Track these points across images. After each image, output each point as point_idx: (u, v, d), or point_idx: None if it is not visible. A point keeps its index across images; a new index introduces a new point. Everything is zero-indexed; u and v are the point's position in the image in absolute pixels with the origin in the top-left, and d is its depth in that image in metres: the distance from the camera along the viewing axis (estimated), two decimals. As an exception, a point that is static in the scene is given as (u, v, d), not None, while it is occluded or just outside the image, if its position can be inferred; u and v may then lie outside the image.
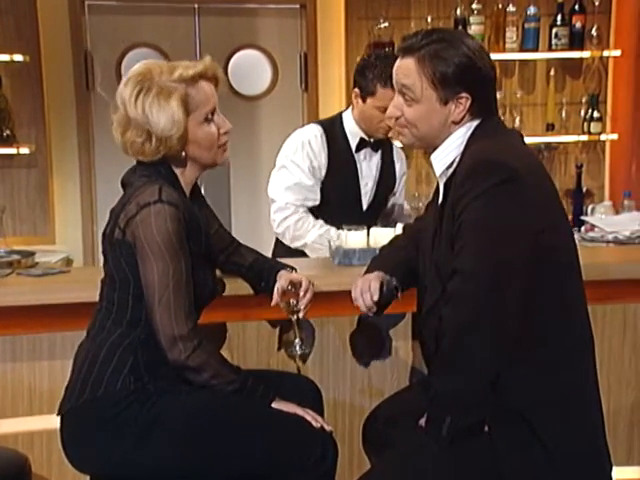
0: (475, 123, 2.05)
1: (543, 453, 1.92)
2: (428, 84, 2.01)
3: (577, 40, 4.53)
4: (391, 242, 2.43)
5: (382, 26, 4.40)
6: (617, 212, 4.48)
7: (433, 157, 2.10)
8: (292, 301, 2.25)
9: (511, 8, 4.46)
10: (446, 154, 2.07)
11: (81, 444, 2.04)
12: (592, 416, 2.01)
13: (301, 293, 2.24)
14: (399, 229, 2.57)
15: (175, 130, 2.00)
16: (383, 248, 2.42)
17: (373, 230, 2.62)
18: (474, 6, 4.41)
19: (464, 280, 1.88)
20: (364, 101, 3.03)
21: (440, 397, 1.92)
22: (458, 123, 2.05)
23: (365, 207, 3.20)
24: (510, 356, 1.89)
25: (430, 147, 2.11)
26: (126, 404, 1.98)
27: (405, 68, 2.06)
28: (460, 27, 4.39)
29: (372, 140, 3.13)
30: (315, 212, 3.11)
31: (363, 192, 3.18)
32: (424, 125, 2.06)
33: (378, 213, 3.21)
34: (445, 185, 2.07)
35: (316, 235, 3.04)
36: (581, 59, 4.70)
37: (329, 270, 2.61)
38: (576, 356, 2.00)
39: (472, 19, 4.40)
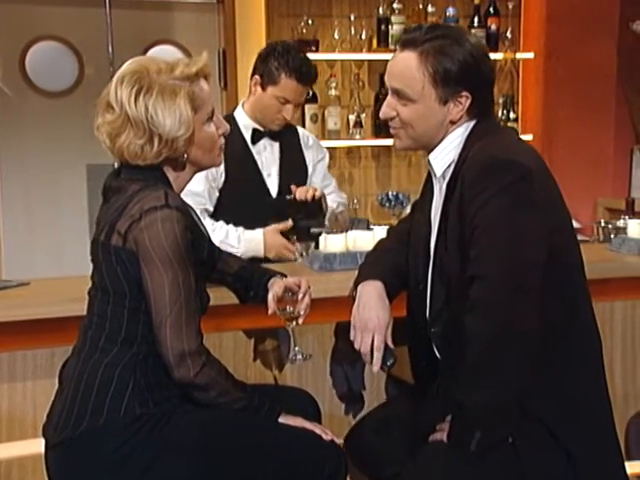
0: (472, 123, 2.00)
1: (566, 459, 1.90)
2: (429, 81, 1.94)
3: (492, 42, 4.61)
4: (377, 246, 2.35)
5: (305, 23, 4.31)
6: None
7: (432, 157, 2.04)
8: (289, 308, 2.14)
9: (431, 9, 4.48)
10: (445, 154, 2.02)
11: (80, 478, 1.85)
12: (605, 414, 2.01)
13: (300, 296, 2.13)
14: (379, 232, 2.51)
15: (183, 130, 1.86)
16: (369, 254, 2.33)
17: (351, 233, 2.55)
18: (395, 5, 4.40)
19: (490, 287, 1.82)
20: (264, 89, 2.96)
21: (470, 412, 1.85)
22: (455, 123, 2.00)
23: (275, 195, 3.08)
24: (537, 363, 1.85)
25: (426, 148, 2.05)
26: (133, 431, 1.82)
27: (404, 63, 1.97)
28: (383, 26, 4.37)
29: (267, 130, 3.05)
30: (223, 211, 2.99)
31: (268, 182, 3.07)
32: (421, 125, 2.00)
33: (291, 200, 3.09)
34: (448, 185, 2.00)
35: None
36: (495, 61, 4.78)
37: (309, 277, 2.50)
38: (587, 356, 2.00)
39: (394, 18, 4.39)
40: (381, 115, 2.08)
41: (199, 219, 2.00)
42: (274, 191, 3.08)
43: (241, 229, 2.94)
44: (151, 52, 4.50)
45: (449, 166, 2.02)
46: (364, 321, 2.07)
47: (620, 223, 3.05)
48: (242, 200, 3.00)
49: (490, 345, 1.81)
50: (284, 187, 3.08)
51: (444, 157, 2.02)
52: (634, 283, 2.70)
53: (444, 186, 2.02)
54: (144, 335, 1.87)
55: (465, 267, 1.88)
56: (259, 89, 2.98)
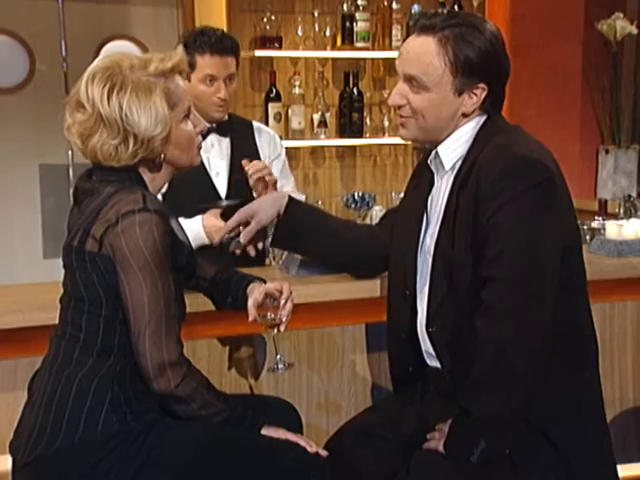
0: (483, 118, 1.93)
1: (563, 468, 1.85)
2: (448, 69, 1.86)
3: (457, 40, 4.56)
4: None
5: (268, 19, 4.20)
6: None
7: (441, 150, 1.96)
8: (270, 314, 2.03)
9: (395, 5, 4.40)
10: (455, 148, 1.94)
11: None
12: (603, 423, 1.97)
13: (282, 302, 2.02)
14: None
15: (160, 129, 1.76)
16: None
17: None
18: (360, 2, 4.31)
19: (506, 292, 1.75)
20: (189, 80, 2.78)
21: (476, 421, 1.77)
22: (468, 116, 1.92)
23: (224, 196, 2.89)
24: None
25: (433, 141, 1.97)
26: (111, 448, 1.71)
27: (422, 48, 1.87)
28: (347, 23, 4.29)
29: (214, 125, 2.88)
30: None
31: (217, 182, 2.89)
32: (432, 116, 1.91)
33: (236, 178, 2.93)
34: (459, 180, 1.91)
35: None
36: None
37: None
38: (587, 362, 1.96)
39: (358, 15, 4.30)
40: (390, 102, 1.99)
41: (178, 223, 1.89)
42: (223, 191, 2.89)
43: (180, 219, 2.75)
44: (107, 48, 4.33)
45: (457, 161, 1.94)
46: None
47: (595, 224, 3.02)
48: (188, 202, 2.75)
49: (503, 352, 1.75)
50: (234, 187, 2.90)
51: (453, 151, 1.95)
52: (612, 285, 2.67)
53: (450, 180, 1.94)
54: (121, 345, 1.76)
55: (476, 265, 1.81)
56: (187, 82, 2.84)
